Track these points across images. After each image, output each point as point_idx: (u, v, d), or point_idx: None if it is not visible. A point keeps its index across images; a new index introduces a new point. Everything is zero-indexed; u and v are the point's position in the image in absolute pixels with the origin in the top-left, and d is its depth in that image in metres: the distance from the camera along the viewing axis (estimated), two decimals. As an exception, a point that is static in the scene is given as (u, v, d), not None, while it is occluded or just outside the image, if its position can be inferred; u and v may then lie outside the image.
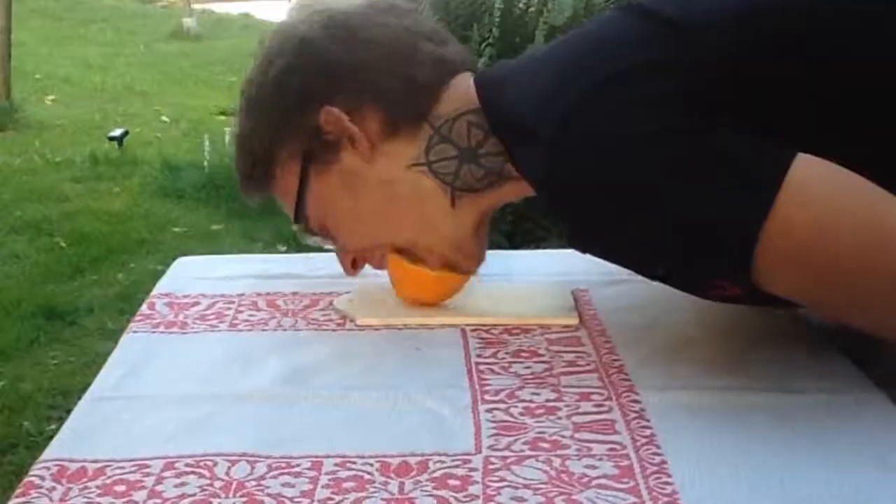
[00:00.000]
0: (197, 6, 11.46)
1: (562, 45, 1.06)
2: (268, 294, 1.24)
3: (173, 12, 11.49)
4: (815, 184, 0.87)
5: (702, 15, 0.95)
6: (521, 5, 3.59)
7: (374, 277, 1.21)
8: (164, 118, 6.68)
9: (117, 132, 5.75)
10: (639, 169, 0.90)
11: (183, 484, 0.83)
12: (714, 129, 0.89)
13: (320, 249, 1.23)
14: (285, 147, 1.10)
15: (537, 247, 2.83)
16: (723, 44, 0.92)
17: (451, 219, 1.10)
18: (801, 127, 0.91)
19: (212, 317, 1.18)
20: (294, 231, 1.18)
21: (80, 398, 1.00)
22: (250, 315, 1.19)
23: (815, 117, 0.92)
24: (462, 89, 1.08)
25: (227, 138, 4.97)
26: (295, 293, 1.25)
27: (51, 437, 0.92)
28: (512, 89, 1.02)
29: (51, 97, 7.24)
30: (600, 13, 3.57)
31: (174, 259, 1.41)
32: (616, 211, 0.93)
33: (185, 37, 10.30)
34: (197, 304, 1.22)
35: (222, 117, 4.91)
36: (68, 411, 0.98)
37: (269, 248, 3.95)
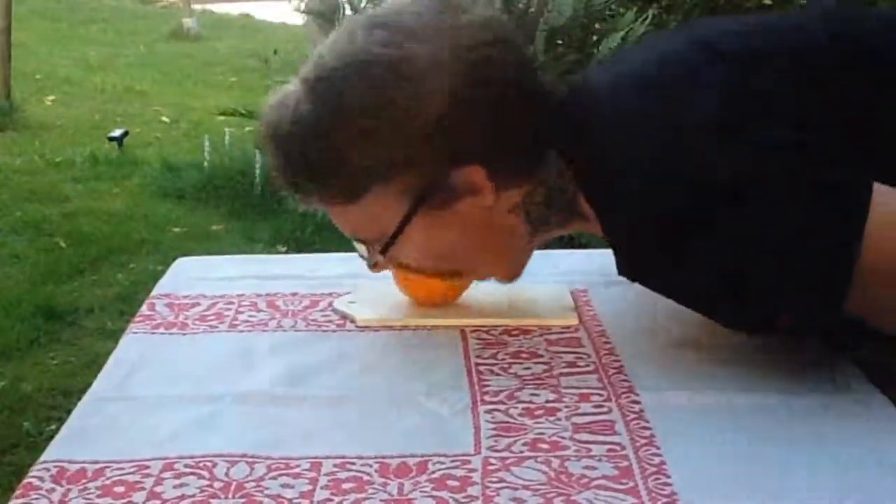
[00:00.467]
0: (197, 6, 11.43)
1: (631, 90, 1.00)
2: (268, 295, 1.24)
3: (173, 12, 11.47)
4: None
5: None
6: (521, 5, 3.58)
7: (373, 278, 1.21)
8: (164, 118, 6.67)
9: (117, 132, 5.74)
10: (729, 204, 0.91)
11: (182, 485, 0.83)
12: (799, 162, 0.91)
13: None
14: (393, 183, 1.00)
15: (537, 247, 2.82)
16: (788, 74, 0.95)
17: (525, 255, 1.12)
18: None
19: (212, 317, 1.18)
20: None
21: (80, 398, 1.00)
22: (250, 316, 1.19)
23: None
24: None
25: (226, 139, 4.97)
26: (295, 294, 1.25)
27: (51, 438, 0.92)
28: (593, 131, 0.99)
29: (51, 97, 7.22)
30: (600, 13, 3.57)
31: (174, 259, 1.41)
32: (707, 249, 0.93)
33: (185, 37, 10.28)
34: (197, 304, 1.22)
35: (222, 117, 4.90)
36: (68, 411, 0.98)
37: (269, 248, 3.95)
